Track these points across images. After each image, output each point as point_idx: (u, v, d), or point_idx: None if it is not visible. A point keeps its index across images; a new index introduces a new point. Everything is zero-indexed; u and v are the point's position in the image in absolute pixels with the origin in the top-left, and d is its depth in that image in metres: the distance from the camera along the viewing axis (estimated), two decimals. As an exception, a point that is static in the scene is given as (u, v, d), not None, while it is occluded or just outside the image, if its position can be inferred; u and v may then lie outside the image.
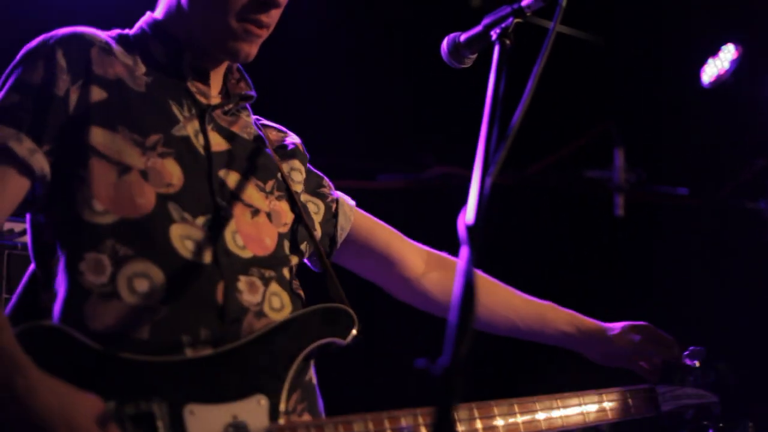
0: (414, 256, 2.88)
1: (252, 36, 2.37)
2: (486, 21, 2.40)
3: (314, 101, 5.80)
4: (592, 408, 2.64)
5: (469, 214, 1.85)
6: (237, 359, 2.17)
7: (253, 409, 2.14)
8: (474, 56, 2.53)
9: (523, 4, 2.35)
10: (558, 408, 2.58)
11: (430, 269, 2.91)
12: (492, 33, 2.35)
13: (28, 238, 2.29)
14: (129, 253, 2.17)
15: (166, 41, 2.42)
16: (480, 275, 2.58)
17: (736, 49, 6.68)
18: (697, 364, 2.76)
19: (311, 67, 5.67)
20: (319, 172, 2.73)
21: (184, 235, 2.22)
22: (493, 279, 2.91)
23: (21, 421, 1.87)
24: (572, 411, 2.60)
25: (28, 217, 2.29)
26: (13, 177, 2.16)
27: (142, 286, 2.15)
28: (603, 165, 6.04)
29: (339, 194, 2.78)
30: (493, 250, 6.49)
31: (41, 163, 2.18)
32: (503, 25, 2.34)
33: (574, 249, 6.78)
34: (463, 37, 2.48)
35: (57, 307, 2.14)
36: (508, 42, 2.31)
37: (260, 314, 2.27)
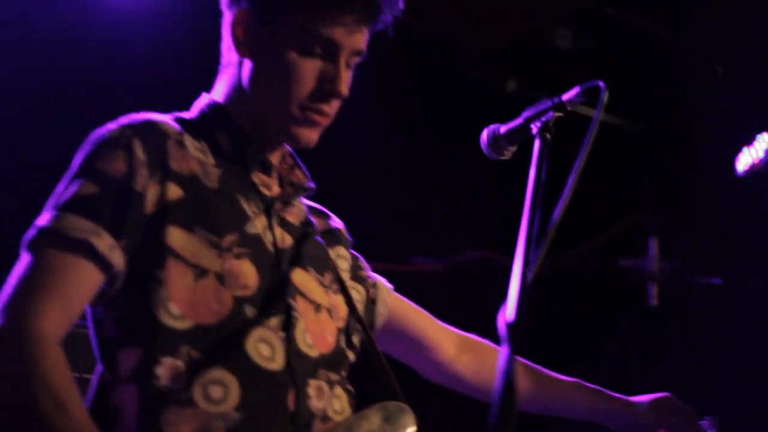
0: (446, 340, 2.89)
1: (313, 123, 2.34)
2: (526, 114, 2.40)
3: (350, 181, 5.83)
4: None
5: (509, 310, 1.84)
6: None
7: None
8: (513, 148, 2.52)
9: (564, 98, 2.35)
10: None
11: (461, 352, 2.91)
12: (532, 126, 2.35)
13: (90, 332, 2.23)
14: (204, 360, 2.12)
15: (231, 130, 2.37)
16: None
17: (772, 138, 6.67)
18: None
19: (348, 148, 5.70)
20: (355, 253, 2.71)
21: (258, 338, 2.19)
22: (522, 360, 2.91)
23: None
24: None
25: (88, 310, 2.22)
26: (92, 272, 2.10)
27: (216, 393, 2.11)
28: (637, 253, 6.03)
29: (376, 277, 2.76)
30: (528, 336, 6.47)
31: (119, 259, 2.12)
32: (544, 119, 2.34)
33: (608, 337, 6.73)
34: (502, 129, 2.48)
35: (133, 412, 2.10)
36: (548, 136, 2.31)
37: (326, 419, 2.26)
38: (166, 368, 2.10)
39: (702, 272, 6.55)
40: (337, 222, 2.66)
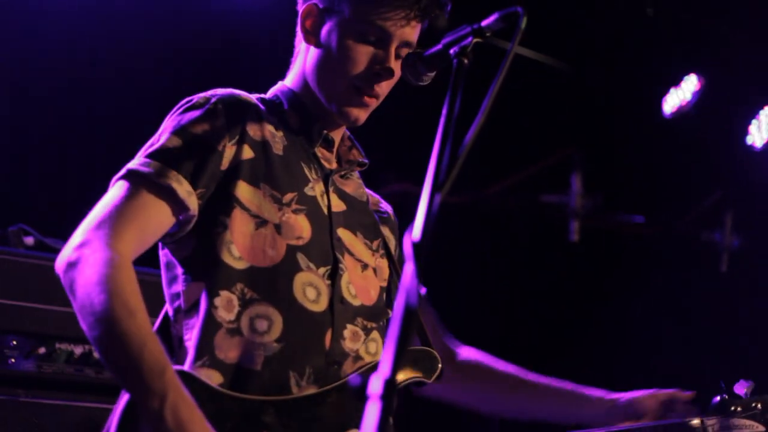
0: (444, 355, 2.95)
1: (363, 104, 2.64)
2: (445, 40, 2.40)
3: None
4: None
5: (416, 231, 1.84)
6: (336, 398, 2.45)
7: None
8: (432, 74, 2.55)
9: (484, 24, 2.34)
10: None
11: (454, 370, 3.01)
12: (451, 51, 2.34)
13: (162, 269, 2.55)
14: (255, 296, 2.44)
15: (300, 110, 2.70)
16: (501, 369, 2.93)
17: (699, 81, 6.74)
18: (746, 394, 2.85)
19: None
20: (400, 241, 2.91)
21: (306, 282, 2.50)
22: (508, 369, 3.03)
23: None
24: None
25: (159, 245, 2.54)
26: (169, 212, 2.42)
27: (262, 326, 2.43)
28: (560, 190, 6.08)
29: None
30: (447, 267, 6.53)
31: (195, 205, 2.43)
32: (462, 44, 2.33)
33: (527, 271, 6.81)
34: (423, 54, 2.49)
35: (191, 337, 2.42)
36: (466, 61, 2.31)
37: (357, 358, 2.55)
38: (222, 300, 2.42)
39: (624, 210, 6.64)
40: (387, 206, 2.96)
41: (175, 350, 2.47)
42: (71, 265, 2.27)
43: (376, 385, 1.64)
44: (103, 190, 2.44)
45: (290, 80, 2.76)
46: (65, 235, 2.39)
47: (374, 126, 2.83)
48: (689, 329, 6.76)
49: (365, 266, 2.68)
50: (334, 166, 2.75)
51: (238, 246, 2.45)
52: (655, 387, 2.94)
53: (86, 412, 3.76)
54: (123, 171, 2.43)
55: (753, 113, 6.92)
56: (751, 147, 6.92)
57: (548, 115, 6.84)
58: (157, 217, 2.40)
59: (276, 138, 2.62)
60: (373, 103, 2.67)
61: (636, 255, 6.97)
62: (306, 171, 2.63)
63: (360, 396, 1.59)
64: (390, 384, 1.64)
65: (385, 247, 2.80)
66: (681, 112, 6.79)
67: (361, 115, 2.67)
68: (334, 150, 2.76)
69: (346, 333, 2.54)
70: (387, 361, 1.65)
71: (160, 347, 2.21)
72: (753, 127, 6.93)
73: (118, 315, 2.19)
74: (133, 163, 2.44)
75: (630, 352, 6.81)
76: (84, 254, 2.27)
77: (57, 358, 3.76)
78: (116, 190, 2.41)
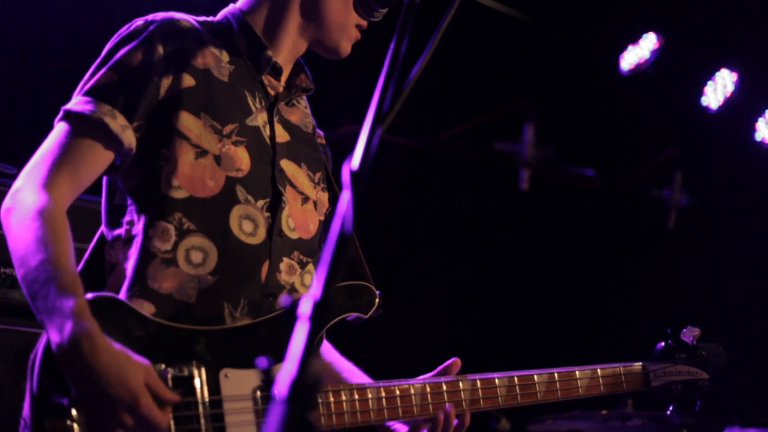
0: None
1: (356, 37, 2.66)
2: (398, -23, 2.41)
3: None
4: (587, 381, 2.77)
5: (355, 160, 1.87)
6: (269, 329, 2.41)
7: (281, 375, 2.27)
8: (384, 11, 2.57)
9: (437, -38, 2.35)
10: (557, 380, 2.73)
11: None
12: (402, -13, 2.35)
13: (103, 198, 2.53)
14: (191, 227, 2.42)
15: (249, 35, 2.64)
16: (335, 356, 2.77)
17: (658, 40, 6.78)
18: (692, 341, 2.86)
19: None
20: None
21: (243, 215, 2.48)
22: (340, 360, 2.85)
23: (84, 378, 2.14)
24: (570, 383, 2.75)
25: (105, 178, 2.52)
26: (104, 149, 2.40)
27: (197, 257, 2.42)
28: (513, 139, 6.11)
29: None
30: (398, 210, 6.56)
31: (130, 138, 2.41)
32: (414, -18, 2.34)
33: (476, 216, 6.85)
34: None
35: (126, 266, 2.42)
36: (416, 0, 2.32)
37: (293, 291, 2.52)
38: (158, 230, 2.41)
39: (576, 163, 6.69)
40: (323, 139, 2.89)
41: (109, 278, 2.45)
42: (7, 212, 2.31)
43: (305, 307, 1.67)
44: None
45: (243, 3, 2.69)
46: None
47: (331, 67, 2.84)
48: (634, 282, 6.86)
49: (306, 199, 2.64)
50: (282, 93, 2.69)
51: (178, 176, 2.42)
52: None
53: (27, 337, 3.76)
54: (61, 112, 2.42)
55: (709, 75, 6.99)
56: (706, 108, 7.00)
57: (505, 65, 6.86)
58: (91, 156, 2.39)
59: (221, 63, 2.57)
60: (359, 36, 2.69)
61: (585, 207, 7.04)
62: (250, 100, 2.58)
63: (290, 317, 1.62)
64: (320, 306, 1.67)
65: (327, 179, 2.75)
66: (638, 70, 6.84)
67: (349, 48, 2.68)
68: (282, 78, 2.70)
69: (282, 266, 2.52)
70: (318, 283, 1.68)
71: (70, 281, 2.20)
72: (708, 89, 7.00)
73: (33, 253, 2.22)
74: (70, 103, 2.42)
75: (573, 300, 6.91)
76: (17, 200, 2.30)
77: (2, 283, 3.76)
78: (54, 132, 2.40)
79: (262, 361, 1.65)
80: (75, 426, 2.17)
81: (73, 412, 2.17)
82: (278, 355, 2.37)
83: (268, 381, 1.62)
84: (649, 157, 6.79)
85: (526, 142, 5.97)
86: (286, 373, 1.62)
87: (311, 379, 1.63)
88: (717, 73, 6.96)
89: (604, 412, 4.75)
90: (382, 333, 5.75)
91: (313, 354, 1.66)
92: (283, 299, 1.73)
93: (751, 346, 6.17)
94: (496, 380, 2.64)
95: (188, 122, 2.45)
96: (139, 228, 2.43)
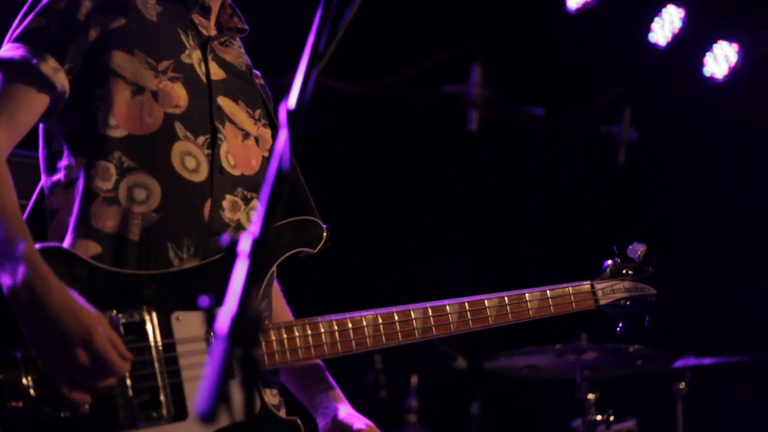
0: None
1: None
2: None
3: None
4: (537, 303, 2.77)
5: (291, 99, 1.88)
6: (218, 270, 2.41)
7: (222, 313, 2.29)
8: None
9: None
10: (507, 304, 2.74)
11: None
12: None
13: (40, 146, 2.53)
14: (133, 165, 2.42)
15: None
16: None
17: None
18: (638, 257, 2.87)
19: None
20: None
21: (184, 152, 2.47)
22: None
23: (38, 319, 2.16)
24: (520, 306, 2.76)
25: (41, 126, 2.52)
26: (37, 93, 2.40)
27: (140, 195, 2.41)
28: (462, 80, 6.11)
29: None
30: (346, 157, 6.56)
31: (63, 81, 2.41)
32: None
33: (425, 159, 6.87)
34: None
35: (68, 210, 2.41)
36: None
37: (239, 228, 2.52)
38: (98, 170, 2.40)
39: (525, 102, 6.71)
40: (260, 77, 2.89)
41: (50, 225, 2.47)
42: None
43: (245, 244, 1.69)
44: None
45: None
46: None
47: (276, 14, 2.83)
48: (586, 216, 6.91)
49: (246, 135, 2.63)
50: (213, 33, 2.68)
51: (115, 115, 2.42)
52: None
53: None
54: None
55: (656, 11, 7.01)
56: (655, 45, 7.03)
57: (450, 4, 6.85)
58: (27, 102, 2.40)
59: (148, 4, 2.56)
60: None
61: (535, 146, 7.08)
62: (183, 37, 2.57)
63: (230, 255, 1.64)
64: (259, 243, 1.69)
65: (268, 116, 2.74)
66: (585, 9, 6.85)
67: None
68: (212, 18, 2.68)
69: (225, 203, 2.51)
70: (257, 220, 1.70)
71: (18, 226, 2.23)
72: (656, 25, 7.03)
73: None
74: (0, 51, 2.43)
75: (526, 239, 6.96)
76: None
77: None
78: None
79: (204, 300, 1.66)
80: (28, 377, 2.18)
81: (27, 363, 2.18)
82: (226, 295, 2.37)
83: (211, 320, 1.64)
84: (597, 94, 6.83)
85: (473, 83, 5.97)
86: (227, 310, 1.65)
87: (253, 316, 1.65)
88: (664, 10, 6.98)
89: (558, 346, 4.80)
90: (330, 274, 5.80)
91: (257, 291, 1.69)
92: (223, 238, 1.74)
93: (701, 278, 6.26)
94: (447, 307, 2.66)
95: (122, 60, 2.45)
96: (78, 171, 2.42)
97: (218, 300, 2.24)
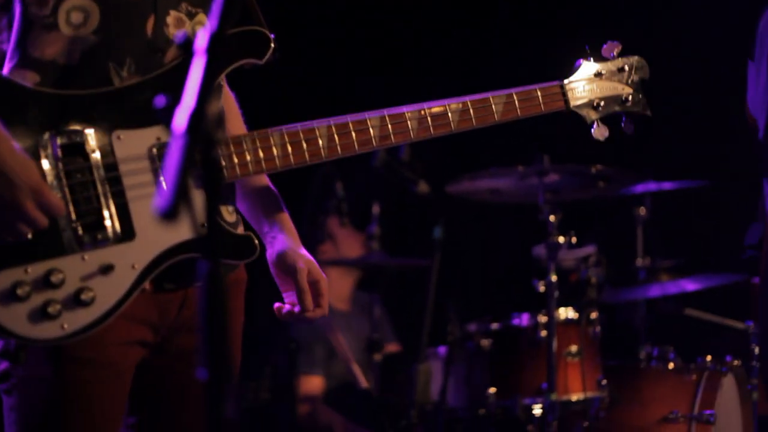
0: None
1: None
2: None
3: None
4: (502, 105, 2.63)
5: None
6: (160, 85, 2.34)
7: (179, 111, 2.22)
8: None
9: None
10: (470, 108, 2.60)
11: None
12: None
13: None
14: None
15: None
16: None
17: None
18: (613, 56, 2.76)
19: None
20: None
21: None
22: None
23: None
24: (485, 109, 2.62)
25: None
26: None
27: (78, 18, 2.32)
28: None
29: None
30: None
31: None
32: None
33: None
34: None
35: (10, 39, 2.33)
36: None
37: None
38: None
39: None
40: None
41: None
42: None
43: (201, 40, 1.61)
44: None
45: None
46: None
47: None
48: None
49: None
50: None
51: None
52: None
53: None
54: None
55: None
56: None
57: None
58: None
59: None
60: None
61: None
62: None
63: (186, 51, 1.56)
64: (216, 37, 1.60)
65: None
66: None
67: None
68: None
69: (170, 19, 2.42)
70: (213, 15, 1.61)
71: None
72: None
73: None
74: None
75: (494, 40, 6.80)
76: None
77: None
78: None
79: (160, 100, 1.58)
80: None
81: None
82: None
83: (167, 120, 1.56)
84: None
85: None
86: (184, 107, 1.57)
87: (212, 114, 1.58)
88: None
89: (520, 168, 4.78)
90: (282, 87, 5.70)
91: (212, 93, 1.60)
92: (178, 35, 1.65)
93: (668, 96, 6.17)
94: (407, 113, 2.54)
95: None
96: (13, 6, 2.33)
97: (170, 98, 2.12)
